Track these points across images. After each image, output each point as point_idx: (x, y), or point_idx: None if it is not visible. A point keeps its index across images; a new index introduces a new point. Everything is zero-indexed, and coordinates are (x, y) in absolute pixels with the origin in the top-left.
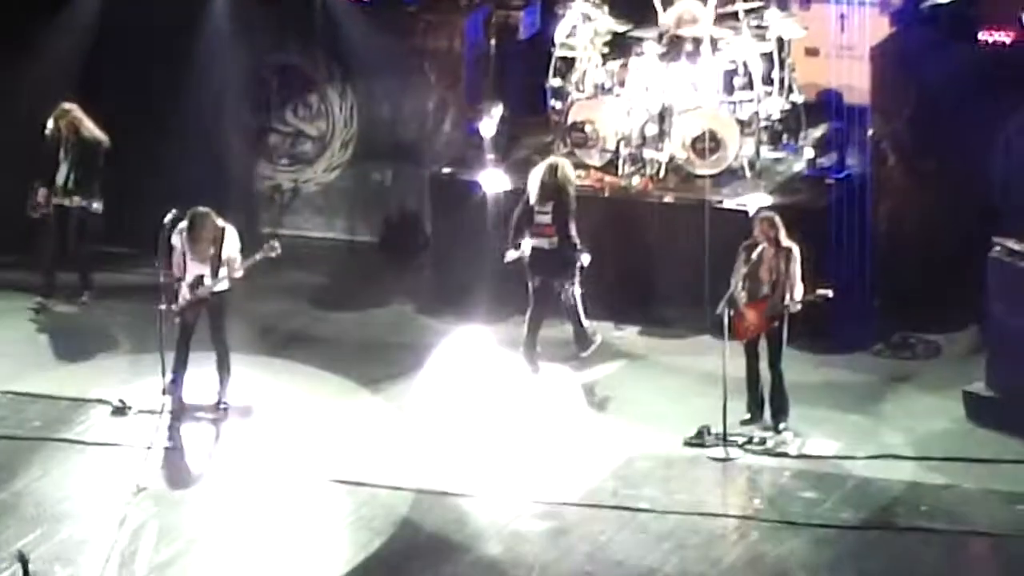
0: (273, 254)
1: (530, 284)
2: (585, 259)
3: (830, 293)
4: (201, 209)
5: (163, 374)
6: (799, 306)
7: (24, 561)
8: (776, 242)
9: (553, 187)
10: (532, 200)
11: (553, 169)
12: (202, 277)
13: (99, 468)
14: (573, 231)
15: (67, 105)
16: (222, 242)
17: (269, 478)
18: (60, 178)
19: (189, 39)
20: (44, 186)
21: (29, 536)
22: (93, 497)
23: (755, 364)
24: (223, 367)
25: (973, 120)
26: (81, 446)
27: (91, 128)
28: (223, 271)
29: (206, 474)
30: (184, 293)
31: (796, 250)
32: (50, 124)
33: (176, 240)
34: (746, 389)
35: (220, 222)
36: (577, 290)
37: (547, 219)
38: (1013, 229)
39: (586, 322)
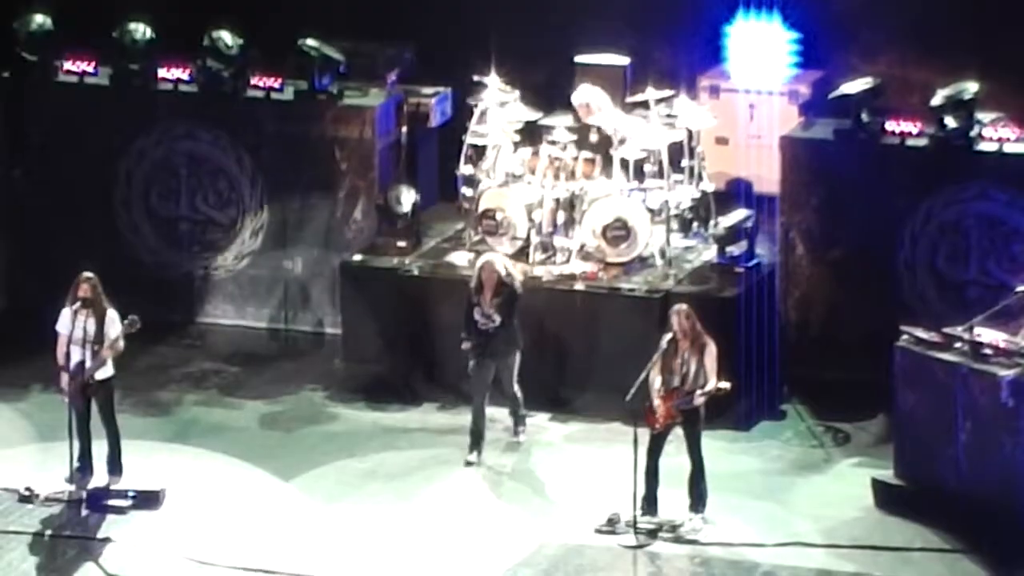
0: (133, 329)
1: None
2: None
3: (727, 385)
4: (86, 274)
5: (71, 462)
6: (701, 399)
7: None
8: (691, 335)
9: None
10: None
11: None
12: (82, 363)
13: (6, 556)
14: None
15: None
16: (102, 324)
17: (178, 565)
18: None
19: (97, 127)
20: None
21: None
22: None
23: (655, 458)
24: (113, 454)
25: (881, 209)
26: None
27: None
28: (103, 355)
29: (113, 563)
30: (65, 382)
31: (712, 344)
32: None
33: (60, 326)
34: (644, 483)
35: (105, 302)
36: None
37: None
38: (920, 318)
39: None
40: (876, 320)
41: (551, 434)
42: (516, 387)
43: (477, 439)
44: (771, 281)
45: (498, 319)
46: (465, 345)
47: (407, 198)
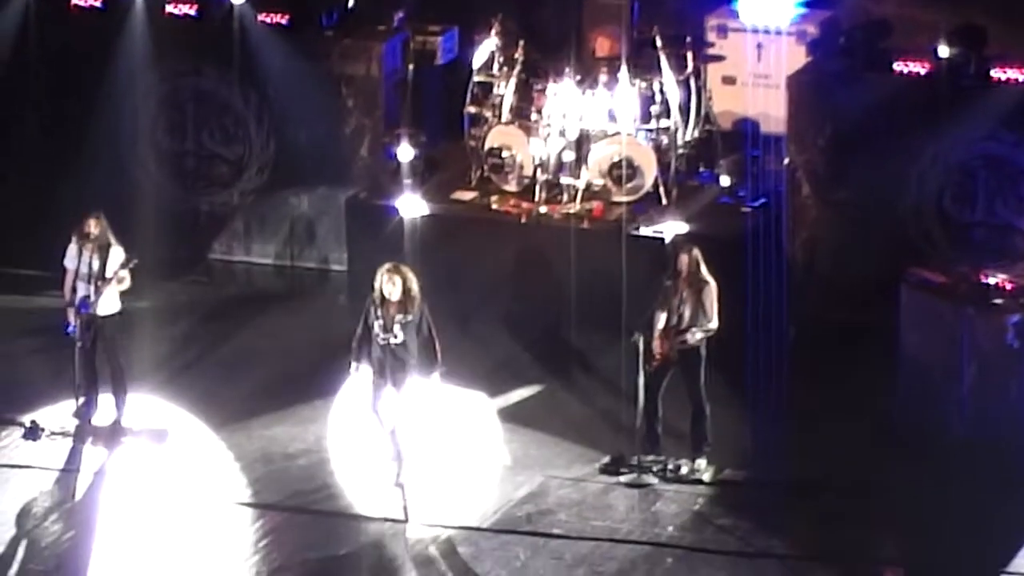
0: (130, 265)
1: None
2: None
3: (714, 325)
4: (93, 210)
5: (76, 397)
6: (693, 338)
7: None
8: (692, 274)
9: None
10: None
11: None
12: (87, 298)
13: (10, 490)
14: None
15: None
16: (107, 259)
17: (182, 501)
18: None
19: (104, 63)
20: None
21: None
22: (3, 519)
23: (654, 396)
24: (119, 390)
25: (888, 150)
26: None
27: None
28: (108, 290)
29: (118, 497)
30: (71, 315)
31: (711, 285)
32: None
33: (66, 261)
34: (644, 422)
35: (111, 238)
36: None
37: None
38: (927, 259)
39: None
40: (882, 261)
41: (555, 373)
42: (408, 415)
43: (397, 459)
44: (777, 221)
45: (401, 336)
46: (353, 369)
47: (404, 152)
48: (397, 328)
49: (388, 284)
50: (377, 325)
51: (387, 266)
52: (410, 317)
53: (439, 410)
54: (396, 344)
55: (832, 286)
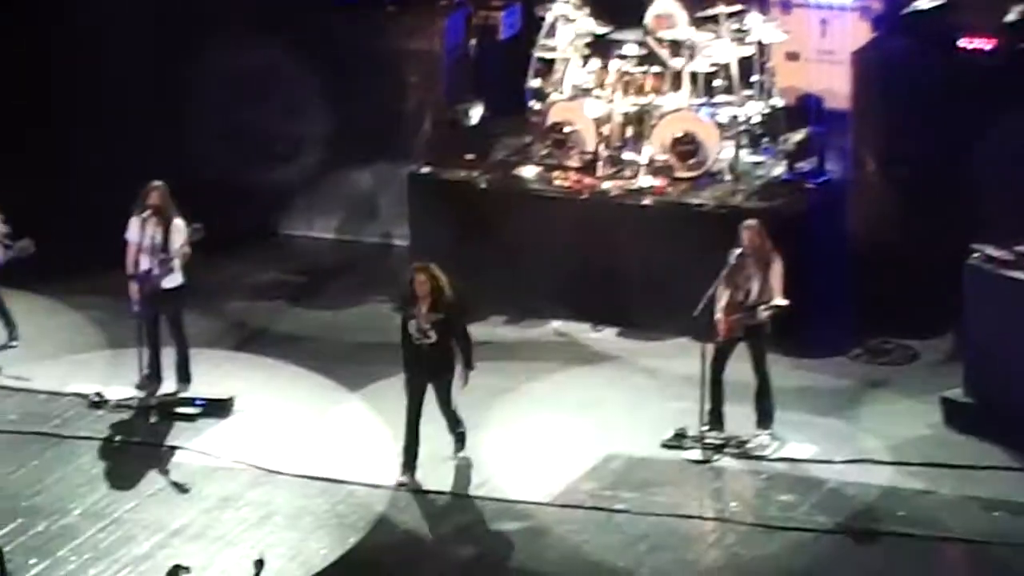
0: (196, 237)
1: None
2: None
3: (786, 302)
4: (155, 182)
5: (140, 369)
6: (764, 314)
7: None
8: (758, 251)
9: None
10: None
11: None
12: (149, 271)
13: (75, 461)
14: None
15: None
16: (169, 232)
17: (246, 473)
18: None
19: (167, 37)
20: None
21: (4, 529)
22: (69, 490)
23: (719, 372)
24: (182, 363)
25: (951, 126)
26: (57, 439)
27: None
28: (172, 263)
29: (181, 469)
30: (134, 290)
31: (778, 261)
32: None
33: (129, 235)
34: (709, 398)
35: (173, 211)
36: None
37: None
38: (991, 236)
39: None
40: (946, 238)
41: (618, 349)
42: (454, 406)
43: (410, 459)
44: (841, 197)
45: (434, 336)
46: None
47: (475, 112)
48: (430, 329)
49: (417, 284)
50: (411, 326)
51: (415, 266)
52: (442, 315)
53: (503, 386)
54: (431, 344)
55: (895, 262)
